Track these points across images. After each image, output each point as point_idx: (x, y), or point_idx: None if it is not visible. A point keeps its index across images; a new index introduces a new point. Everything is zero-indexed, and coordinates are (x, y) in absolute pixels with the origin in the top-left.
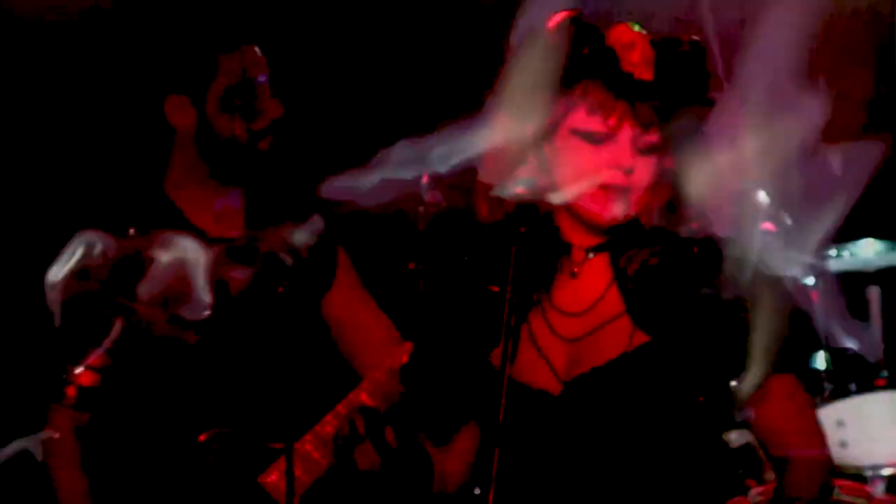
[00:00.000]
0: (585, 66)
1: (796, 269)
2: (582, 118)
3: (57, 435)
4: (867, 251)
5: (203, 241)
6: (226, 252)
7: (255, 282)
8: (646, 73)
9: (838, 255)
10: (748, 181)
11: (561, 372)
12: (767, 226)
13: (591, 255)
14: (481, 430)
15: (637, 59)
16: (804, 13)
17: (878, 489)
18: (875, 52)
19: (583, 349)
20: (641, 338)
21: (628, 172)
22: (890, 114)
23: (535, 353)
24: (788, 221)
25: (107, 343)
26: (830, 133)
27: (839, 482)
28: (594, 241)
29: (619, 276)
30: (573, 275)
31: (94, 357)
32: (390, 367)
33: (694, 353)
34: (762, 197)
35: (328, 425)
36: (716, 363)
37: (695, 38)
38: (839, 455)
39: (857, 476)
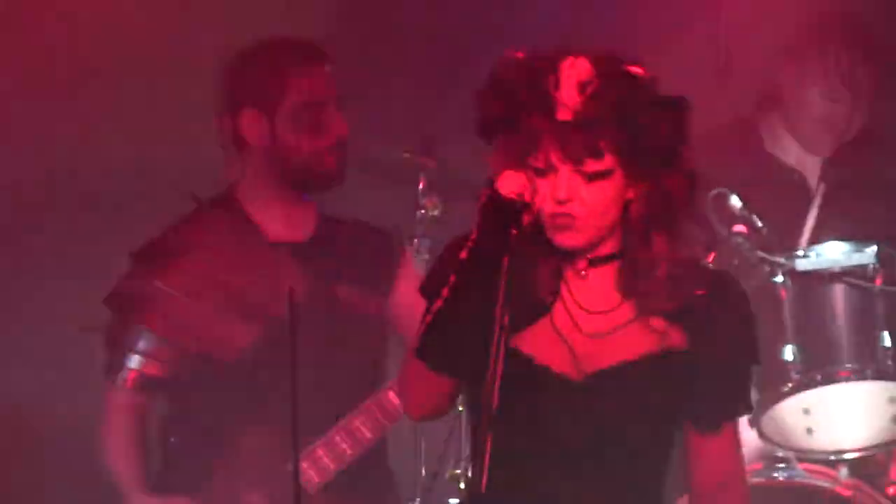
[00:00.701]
0: (522, 104)
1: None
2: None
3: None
4: (834, 252)
5: (265, 245)
6: (290, 254)
7: (312, 283)
8: (565, 114)
9: (806, 256)
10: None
11: (581, 361)
12: (739, 228)
13: (590, 267)
14: (477, 411)
15: (560, 99)
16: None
17: (843, 472)
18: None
19: (605, 344)
20: (670, 342)
21: (562, 203)
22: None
23: (558, 341)
24: (759, 224)
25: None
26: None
27: (806, 466)
28: (591, 254)
29: (625, 290)
30: (582, 276)
31: (163, 349)
32: None
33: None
34: (734, 201)
35: (356, 419)
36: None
37: (641, 73)
38: (806, 441)
39: (823, 460)
